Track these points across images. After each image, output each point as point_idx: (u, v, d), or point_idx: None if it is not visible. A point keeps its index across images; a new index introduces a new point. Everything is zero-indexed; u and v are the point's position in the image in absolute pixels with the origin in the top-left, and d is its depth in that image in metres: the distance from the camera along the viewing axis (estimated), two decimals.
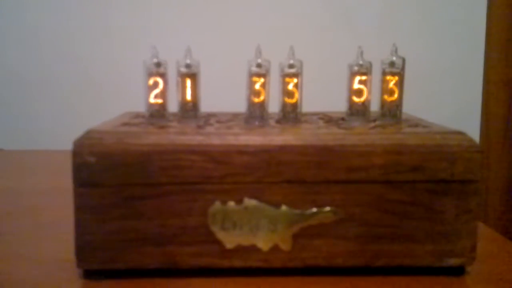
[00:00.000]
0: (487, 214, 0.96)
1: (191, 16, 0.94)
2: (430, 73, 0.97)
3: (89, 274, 0.41)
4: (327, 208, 0.40)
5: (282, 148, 0.40)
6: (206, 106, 0.51)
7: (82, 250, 0.40)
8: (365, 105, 0.47)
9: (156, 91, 0.46)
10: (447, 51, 0.97)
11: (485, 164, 0.96)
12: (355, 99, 0.47)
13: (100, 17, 0.95)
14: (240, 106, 0.48)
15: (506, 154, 0.95)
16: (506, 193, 0.96)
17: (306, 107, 0.51)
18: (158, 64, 0.46)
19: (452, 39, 0.96)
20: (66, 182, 0.41)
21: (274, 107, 0.47)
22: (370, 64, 0.47)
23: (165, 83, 0.46)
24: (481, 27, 0.95)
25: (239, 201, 0.40)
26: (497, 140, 0.96)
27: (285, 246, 0.41)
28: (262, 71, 0.46)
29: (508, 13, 0.93)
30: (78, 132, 0.41)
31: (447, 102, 0.97)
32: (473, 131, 0.95)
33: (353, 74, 0.47)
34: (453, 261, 0.41)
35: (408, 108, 0.53)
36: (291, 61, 0.46)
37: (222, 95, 0.76)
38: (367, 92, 0.47)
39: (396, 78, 0.47)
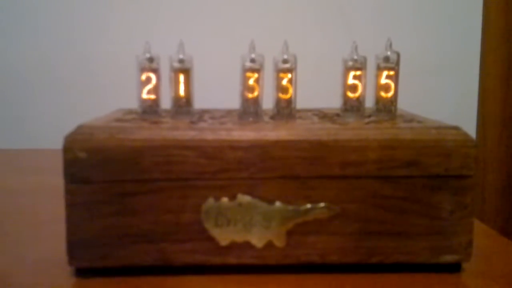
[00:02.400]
0: (485, 212, 0.96)
1: (184, 10, 0.94)
2: (426, 70, 0.96)
3: (81, 272, 0.40)
4: (322, 204, 0.40)
5: (276, 143, 0.40)
6: (200, 102, 0.50)
7: (74, 247, 0.40)
8: (359, 101, 0.47)
9: (149, 86, 0.46)
10: (443, 46, 0.96)
11: (482, 162, 0.96)
12: (350, 94, 0.47)
13: (94, 13, 0.94)
14: (234, 102, 0.48)
15: (503, 152, 0.95)
16: (503, 190, 0.96)
17: (301, 104, 0.50)
18: (150, 59, 0.46)
19: (448, 34, 0.96)
20: (59, 180, 0.40)
21: (268, 103, 0.47)
22: (365, 59, 0.46)
23: (158, 78, 0.46)
24: (477, 22, 0.95)
25: (232, 197, 0.40)
26: (493, 138, 0.96)
27: (279, 242, 0.40)
28: (255, 66, 0.46)
29: (505, 7, 0.93)
30: None
31: (443, 99, 0.97)
32: (470, 129, 0.95)
33: (347, 69, 0.47)
34: (449, 258, 0.41)
35: (404, 105, 0.52)
36: (285, 56, 0.46)
37: (216, 91, 0.76)
38: (362, 88, 0.47)
39: (391, 73, 0.46)
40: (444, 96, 0.97)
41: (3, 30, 0.94)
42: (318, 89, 0.75)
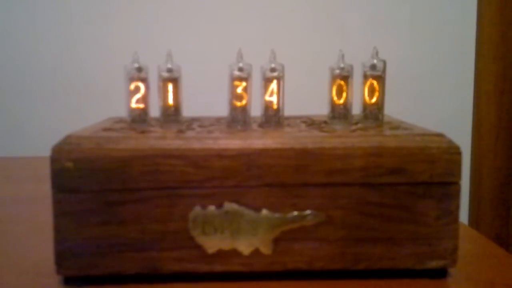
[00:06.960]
0: (480, 219, 0.96)
1: (172, 20, 0.94)
2: (421, 77, 0.97)
3: (69, 281, 0.41)
4: (308, 212, 0.40)
5: (262, 152, 0.40)
6: (190, 111, 0.50)
7: (62, 256, 0.40)
8: (346, 108, 0.47)
9: (138, 96, 0.46)
10: (438, 53, 0.96)
11: (478, 168, 0.96)
12: (337, 102, 0.47)
13: (83, 23, 0.94)
14: (224, 110, 0.48)
15: (498, 158, 0.95)
16: (498, 197, 0.96)
17: (292, 111, 0.51)
18: (139, 69, 0.46)
19: (443, 40, 0.96)
20: (47, 189, 0.41)
21: (256, 111, 0.47)
22: (351, 67, 0.47)
23: (147, 88, 0.46)
24: (471, 27, 0.95)
25: (219, 205, 0.40)
26: (488, 144, 0.96)
27: (266, 250, 0.41)
28: (243, 75, 0.46)
29: (499, 12, 0.93)
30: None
31: (438, 106, 0.97)
32: (465, 135, 0.96)
33: (334, 77, 0.47)
34: (434, 264, 0.41)
35: (399, 112, 0.53)
36: (273, 65, 0.46)
37: (205, 100, 0.76)
38: (349, 95, 0.47)
39: (377, 81, 0.47)
40: (439, 104, 0.97)
41: None
42: (310, 98, 0.76)
